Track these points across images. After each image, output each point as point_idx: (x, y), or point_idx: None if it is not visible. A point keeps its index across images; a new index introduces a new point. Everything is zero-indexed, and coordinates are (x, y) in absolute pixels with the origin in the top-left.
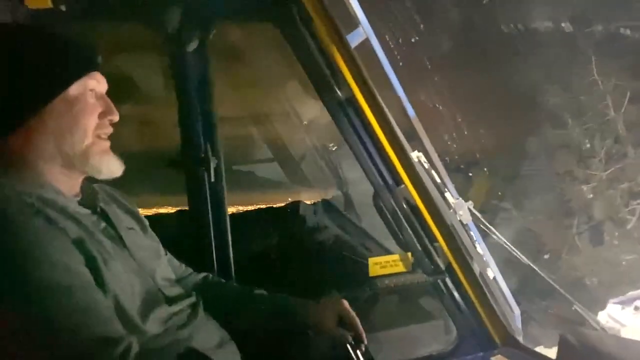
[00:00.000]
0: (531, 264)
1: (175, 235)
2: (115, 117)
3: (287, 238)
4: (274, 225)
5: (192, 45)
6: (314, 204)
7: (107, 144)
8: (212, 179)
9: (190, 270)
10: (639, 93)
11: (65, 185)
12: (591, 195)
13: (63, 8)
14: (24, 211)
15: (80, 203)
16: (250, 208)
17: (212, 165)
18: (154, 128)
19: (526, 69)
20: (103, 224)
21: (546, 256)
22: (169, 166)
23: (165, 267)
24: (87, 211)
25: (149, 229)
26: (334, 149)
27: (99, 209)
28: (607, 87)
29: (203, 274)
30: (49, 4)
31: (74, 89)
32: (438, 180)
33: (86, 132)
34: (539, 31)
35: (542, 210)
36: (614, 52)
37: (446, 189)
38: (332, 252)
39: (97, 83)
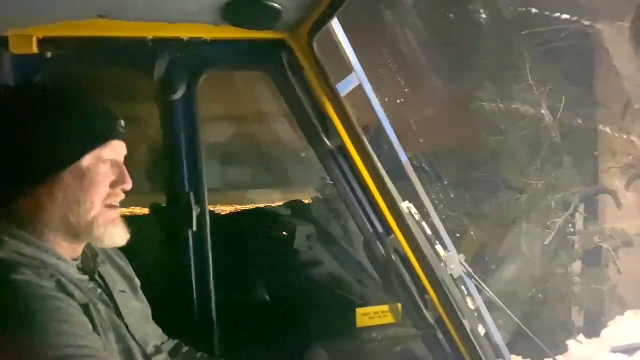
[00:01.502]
0: (515, 318)
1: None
2: (128, 186)
3: (277, 274)
4: (266, 261)
5: (180, 93)
6: (309, 237)
7: (116, 212)
8: (195, 228)
9: (165, 336)
10: (575, 99)
11: (68, 250)
12: (528, 205)
13: (49, 55)
14: (37, 275)
15: (80, 268)
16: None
17: (195, 214)
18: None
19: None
20: (99, 291)
21: (493, 266)
22: (152, 211)
23: (154, 332)
24: (86, 277)
25: (140, 291)
26: (330, 183)
27: (96, 275)
28: (543, 93)
29: (175, 342)
30: (35, 51)
31: (87, 161)
32: (429, 232)
33: (94, 204)
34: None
35: (488, 218)
36: (550, 57)
37: (437, 242)
38: (323, 293)
39: (112, 152)
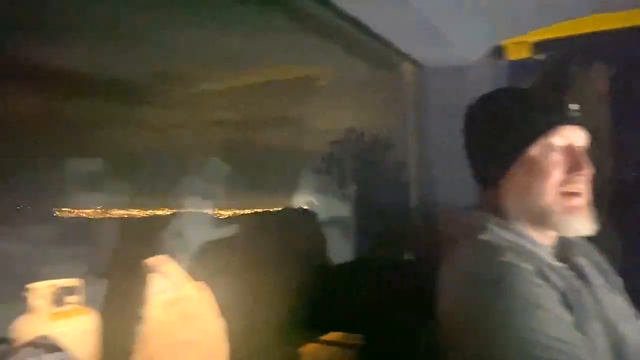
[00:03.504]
0: None
1: None
2: (585, 172)
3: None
4: None
5: None
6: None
7: (576, 200)
8: None
9: None
10: None
11: (540, 237)
12: None
13: (541, 57)
14: (521, 259)
15: (554, 254)
16: None
17: None
18: None
19: None
20: (578, 281)
21: None
22: None
23: (637, 333)
24: (562, 264)
25: (622, 290)
26: None
27: (572, 264)
28: None
29: None
30: (529, 55)
31: (533, 150)
32: None
33: (544, 192)
34: None
35: None
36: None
37: None
38: None
39: (562, 138)
